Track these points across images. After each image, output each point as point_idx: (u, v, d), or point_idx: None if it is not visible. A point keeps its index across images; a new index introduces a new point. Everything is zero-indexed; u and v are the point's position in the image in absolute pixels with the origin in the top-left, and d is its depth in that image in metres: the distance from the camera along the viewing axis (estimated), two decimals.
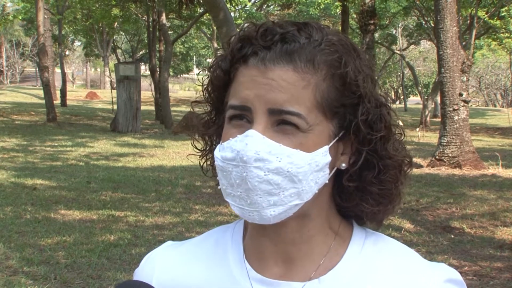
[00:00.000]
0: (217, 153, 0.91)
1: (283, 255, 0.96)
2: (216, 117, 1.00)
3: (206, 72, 1.00)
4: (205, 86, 1.00)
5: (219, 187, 0.94)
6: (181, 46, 49.73)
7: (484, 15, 24.64)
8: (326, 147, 0.90)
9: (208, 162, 1.03)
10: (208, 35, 35.75)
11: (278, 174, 0.87)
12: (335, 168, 0.94)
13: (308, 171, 0.88)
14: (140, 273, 1.06)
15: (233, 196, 0.90)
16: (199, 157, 1.04)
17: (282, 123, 0.88)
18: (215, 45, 33.89)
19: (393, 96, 53.52)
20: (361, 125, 0.91)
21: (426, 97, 28.00)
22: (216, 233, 1.06)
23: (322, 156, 0.90)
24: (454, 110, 11.51)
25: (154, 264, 1.05)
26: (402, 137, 0.98)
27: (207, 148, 1.02)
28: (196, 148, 1.04)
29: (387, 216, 1.00)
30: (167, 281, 1.02)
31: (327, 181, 0.92)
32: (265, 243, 0.97)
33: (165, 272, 1.03)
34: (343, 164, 0.94)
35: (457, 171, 11.27)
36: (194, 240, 1.07)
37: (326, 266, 0.95)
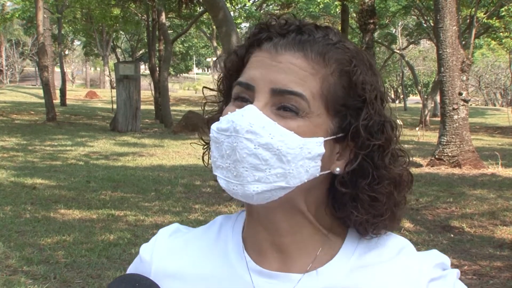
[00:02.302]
0: (213, 126, 0.93)
1: (278, 246, 0.98)
2: (225, 107, 1.01)
3: (223, 61, 1.02)
4: (218, 76, 1.03)
5: (210, 161, 0.96)
6: (180, 46, 49.72)
7: (482, 16, 24.62)
8: (322, 139, 0.91)
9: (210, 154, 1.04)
10: (208, 35, 35.75)
11: (268, 150, 0.88)
12: (329, 171, 0.94)
13: (298, 155, 0.89)
14: (139, 261, 1.08)
15: (222, 169, 0.91)
16: (203, 148, 1.05)
17: (282, 108, 0.89)
18: (215, 44, 33.89)
19: (392, 96, 53.54)
20: (361, 129, 0.92)
21: (425, 97, 28.01)
22: (219, 221, 1.08)
23: (316, 145, 0.90)
24: (453, 109, 11.52)
25: (152, 253, 1.07)
26: (407, 160, 0.99)
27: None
28: (202, 139, 1.05)
29: (377, 230, 0.97)
30: (166, 268, 1.04)
31: (317, 175, 0.92)
32: (261, 233, 0.98)
33: (164, 259, 1.05)
34: (338, 169, 0.94)
35: (456, 171, 11.28)
36: (200, 229, 1.09)
37: (322, 259, 0.97)
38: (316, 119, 0.90)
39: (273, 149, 0.88)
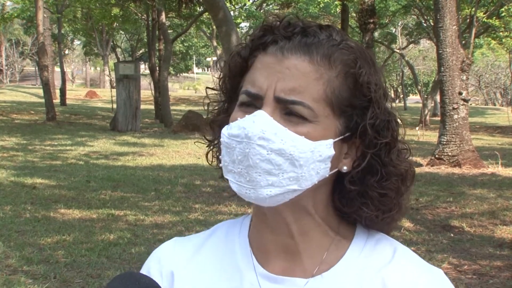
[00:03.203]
0: (224, 131, 0.94)
1: (284, 247, 0.98)
2: (228, 106, 1.01)
3: (225, 62, 1.02)
4: (221, 76, 1.03)
5: (220, 164, 0.96)
6: (180, 45, 49.71)
7: (482, 16, 24.61)
8: (331, 141, 0.92)
9: (215, 153, 1.04)
10: (208, 34, 35.75)
11: (280, 155, 0.89)
12: (336, 170, 0.95)
13: (310, 158, 0.90)
14: (146, 266, 1.08)
15: (233, 173, 0.92)
16: (207, 146, 1.05)
17: (290, 114, 0.90)
18: (215, 44, 33.88)
19: (392, 95, 53.53)
20: (368, 128, 0.93)
21: (425, 96, 28.01)
22: (224, 226, 1.08)
23: (326, 147, 0.91)
24: (453, 109, 11.51)
25: (159, 257, 1.07)
26: (408, 154, 1.00)
27: (215, 138, 1.04)
28: (205, 137, 1.06)
29: (387, 226, 1.01)
30: (175, 272, 1.04)
31: (327, 175, 0.93)
32: (268, 234, 0.99)
33: (172, 264, 1.05)
34: (345, 167, 0.95)
35: (456, 170, 11.27)
36: (205, 233, 1.09)
37: (328, 262, 0.97)
38: (325, 121, 0.91)
39: (286, 154, 0.89)
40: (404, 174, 0.98)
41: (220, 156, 0.97)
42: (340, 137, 0.93)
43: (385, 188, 0.96)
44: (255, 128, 0.88)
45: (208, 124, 1.04)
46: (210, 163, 1.05)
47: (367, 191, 0.96)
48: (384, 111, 0.95)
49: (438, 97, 19.27)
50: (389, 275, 0.95)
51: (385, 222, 0.99)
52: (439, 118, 13.74)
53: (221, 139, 0.94)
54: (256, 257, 1.00)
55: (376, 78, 0.95)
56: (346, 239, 0.99)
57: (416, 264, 0.98)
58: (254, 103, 0.92)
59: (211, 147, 1.04)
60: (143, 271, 1.08)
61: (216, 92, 1.04)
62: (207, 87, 1.07)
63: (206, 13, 22.83)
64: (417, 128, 20.56)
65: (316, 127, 0.90)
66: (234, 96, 0.99)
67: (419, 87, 34.33)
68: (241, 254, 1.01)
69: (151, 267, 1.06)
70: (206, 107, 1.06)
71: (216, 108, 1.04)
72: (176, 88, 59.24)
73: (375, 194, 0.96)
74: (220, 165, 0.96)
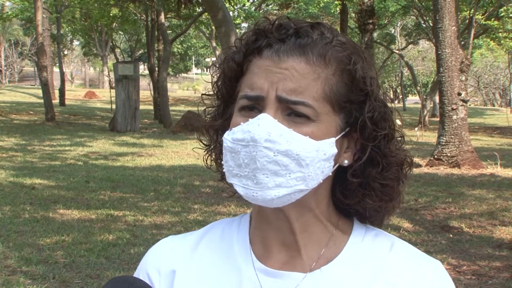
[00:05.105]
0: (227, 136, 0.94)
1: (285, 244, 0.99)
2: (224, 111, 1.02)
3: (217, 67, 1.03)
4: (215, 80, 1.03)
5: (223, 169, 0.97)
6: (179, 46, 49.67)
7: (481, 18, 24.61)
8: (333, 139, 0.93)
9: (213, 156, 1.05)
10: (207, 35, 35.76)
11: (287, 156, 0.90)
12: (337, 165, 0.96)
13: (315, 158, 0.91)
14: (143, 264, 1.08)
15: (239, 177, 0.92)
16: (204, 151, 1.06)
17: (292, 114, 0.91)
18: (214, 44, 33.90)
19: (392, 96, 53.55)
20: (367, 122, 0.94)
21: (424, 97, 28.00)
22: (221, 224, 1.09)
23: (329, 146, 0.93)
24: (452, 109, 11.52)
25: (157, 256, 1.07)
26: (403, 141, 1.02)
27: (212, 142, 1.04)
28: (202, 142, 1.06)
29: (387, 215, 1.03)
30: (177, 270, 1.04)
31: (330, 174, 0.95)
32: (268, 231, 0.99)
33: (172, 263, 1.05)
34: (346, 161, 0.97)
35: (455, 171, 11.28)
36: (200, 231, 1.10)
37: (327, 257, 0.98)
38: (326, 119, 0.92)
39: (292, 155, 0.90)
40: (403, 164, 1.00)
41: (221, 161, 0.97)
42: (341, 134, 0.94)
43: (386, 178, 0.98)
44: (261, 131, 0.89)
45: (204, 129, 1.05)
46: (209, 166, 1.05)
47: (369, 182, 0.97)
48: (380, 103, 0.96)
49: (437, 98, 19.27)
50: (388, 266, 0.97)
51: (386, 211, 1.02)
52: (438, 119, 13.74)
53: (224, 144, 0.94)
54: (255, 254, 1.00)
55: (370, 71, 0.96)
56: (345, 233, 1.01)
57: (415, 255, 0.99)
58: (255, 105, 0.93)
59: (209, 152, 1.05)
60: (140, 269, 1.07)
61: (211, 97, 1.05)
62: (202, 94, 1.07)
63: (205, 14, 22.83)
64: (416, 128, 20.57)
65: (319, 126, 0.91)
66: (230, 100, 0.99)
67: (418, 88, 34.33)
68: (239, 251, 1.02)
69: (149, 266, 1.06)
70: (203, 111, 1.06)
71: (211, 112, 1.05)
72: (175, 89, 59.23)
73: (377, 185, 0.97)
74: (223, 170, 0.97)
